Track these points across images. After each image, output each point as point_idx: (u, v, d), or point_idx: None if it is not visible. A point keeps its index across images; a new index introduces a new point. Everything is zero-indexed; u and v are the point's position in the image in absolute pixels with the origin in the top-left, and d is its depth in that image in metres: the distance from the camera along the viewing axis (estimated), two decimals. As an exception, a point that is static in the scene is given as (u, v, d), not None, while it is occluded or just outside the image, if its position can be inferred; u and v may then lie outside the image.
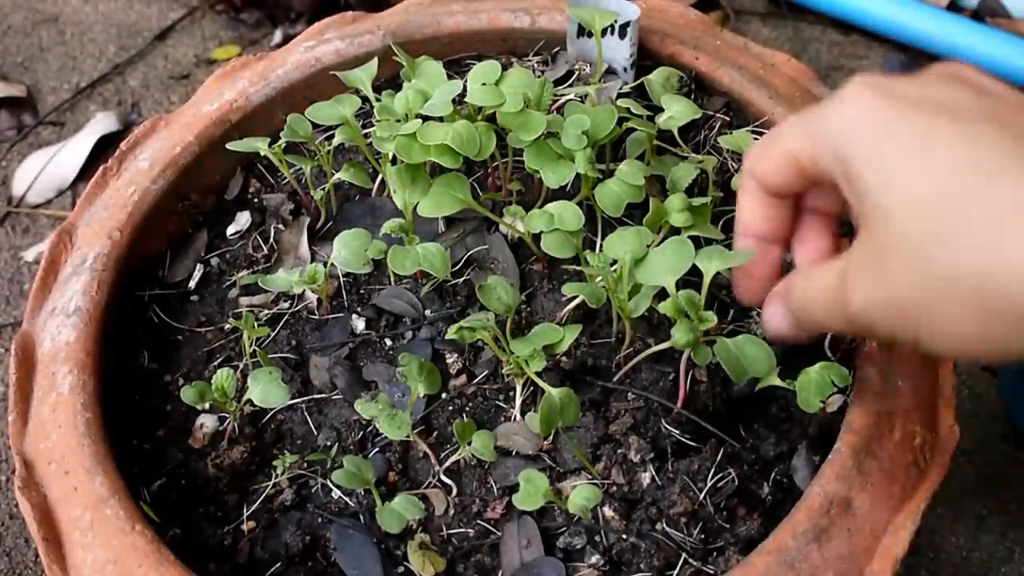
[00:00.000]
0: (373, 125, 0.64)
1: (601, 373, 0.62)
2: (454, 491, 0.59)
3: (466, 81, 0.66)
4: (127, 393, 0.63)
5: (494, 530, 0.57)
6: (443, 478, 0.59)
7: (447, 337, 0.59)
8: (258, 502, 0.59)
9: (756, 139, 0.71)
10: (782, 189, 0.48)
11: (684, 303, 0.53)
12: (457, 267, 0.67)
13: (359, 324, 0.66)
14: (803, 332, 0.49)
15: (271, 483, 0.59)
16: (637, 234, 0.57)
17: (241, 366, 0.64)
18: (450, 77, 0.68)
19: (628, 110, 0.66)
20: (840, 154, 0.42)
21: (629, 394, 0.60)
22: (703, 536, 0.55)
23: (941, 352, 0.40)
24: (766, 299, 0.52)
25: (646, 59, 0.76)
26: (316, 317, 0.67)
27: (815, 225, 0.52)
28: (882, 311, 0.41)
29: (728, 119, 0.74)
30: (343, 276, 0.68)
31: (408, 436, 0.58)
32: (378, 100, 0.66)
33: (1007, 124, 0.38)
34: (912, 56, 1.22)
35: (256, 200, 0.74)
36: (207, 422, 0.62)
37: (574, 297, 0.63)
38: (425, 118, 0.63)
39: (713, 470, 0.57)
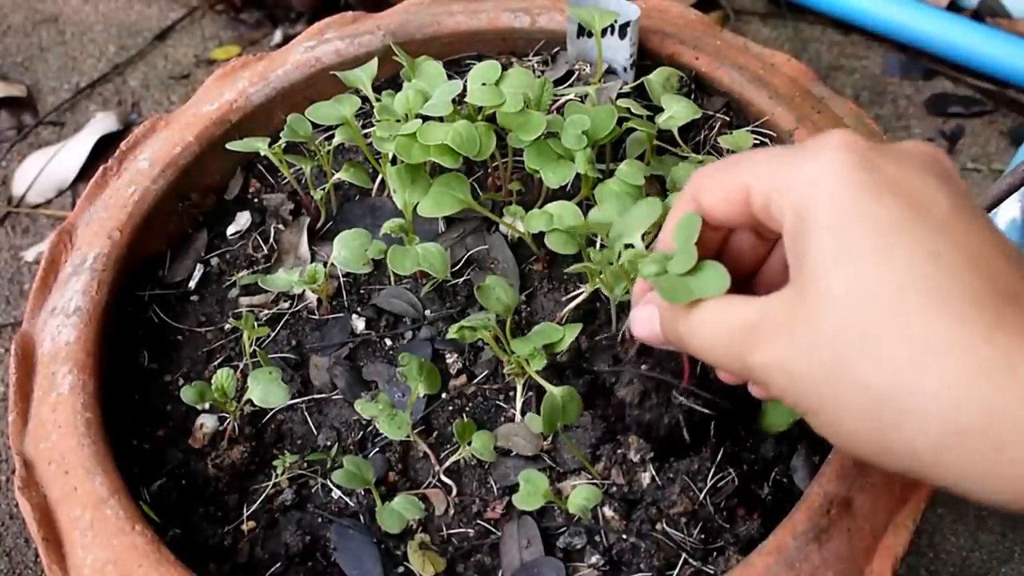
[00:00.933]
0: (373, 125, 0.64)
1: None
2: (454, 491, 0.59)
3: (466, 81, 0.66)
4: (127, 393, 0.63)
5: (494, 530, 0.57)
6: (443, 478, 0.59)
7: (447, 337, 0.59)
8: (258, 502, 0.59)
9: (755, 142, 0.71)
10: (719, 219, 0.46)
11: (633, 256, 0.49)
12: (457, 267, 0.67)
13: (359, 324, 0.66)
14: (671, 347, 0.48)
15: (271, 483, 0.59)
16: (619, 199, 0.54)
17: (241, 366, 0.64)
18: (450, 77, 0.68)
19: (628, 110, 0.66)
20: (799, 211, 0.40)
21: (634, 377, 0.59)
22: (703, 536, 0.55)
23: (823, 436, 0.41)
24: (643, 299, 0.50)
25: (646, 59, 0.76)
26: (316, 317, 0.67)
27: None
28: (783, 376, 0.40)
29: (728, 119, 0.74)
30: (343, 276, 0.68)
31: (408, 436, 0.58)
32: (378, 100, 0.66)
33: (961, 244, 0.38)
34: (912, 56, 1.22)
35: (256, 200, 0.74)
36: (207, 422, 0.62)
37: (574, 297, 0.64)
38: (425, 118, 0.63)
39: (713, 470, 0.57)
